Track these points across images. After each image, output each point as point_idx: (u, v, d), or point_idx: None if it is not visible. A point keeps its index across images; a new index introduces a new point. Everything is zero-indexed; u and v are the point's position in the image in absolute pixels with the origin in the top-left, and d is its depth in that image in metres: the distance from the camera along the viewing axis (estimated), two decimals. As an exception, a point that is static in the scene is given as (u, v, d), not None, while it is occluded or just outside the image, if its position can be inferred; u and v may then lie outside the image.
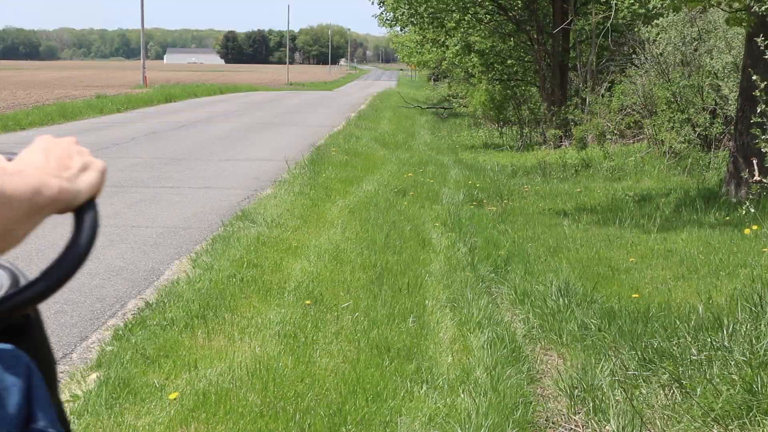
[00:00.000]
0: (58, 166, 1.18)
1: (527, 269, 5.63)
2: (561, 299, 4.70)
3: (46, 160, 1.18)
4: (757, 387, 3.12)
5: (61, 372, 3.96)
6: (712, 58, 11.43)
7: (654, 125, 12.23)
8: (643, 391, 3.43)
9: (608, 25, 15.31)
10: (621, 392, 3.40)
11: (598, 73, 16.57)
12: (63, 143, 1.21)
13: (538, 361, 4.03)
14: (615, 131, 14.21)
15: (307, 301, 4.71)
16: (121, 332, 4.34)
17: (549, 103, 16.57)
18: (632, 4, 15.65)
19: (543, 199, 9.28)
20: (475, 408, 3.23)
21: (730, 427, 3.03)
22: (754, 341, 3.51)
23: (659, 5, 11.48)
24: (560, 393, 3.57)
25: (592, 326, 4.25)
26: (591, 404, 3.35)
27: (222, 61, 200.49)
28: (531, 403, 3.47)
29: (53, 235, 5.84)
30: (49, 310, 4.57)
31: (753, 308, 3.93)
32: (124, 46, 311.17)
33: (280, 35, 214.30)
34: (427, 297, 4.96)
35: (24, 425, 1.17)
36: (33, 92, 31.34)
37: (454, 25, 18.63)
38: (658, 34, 12.45)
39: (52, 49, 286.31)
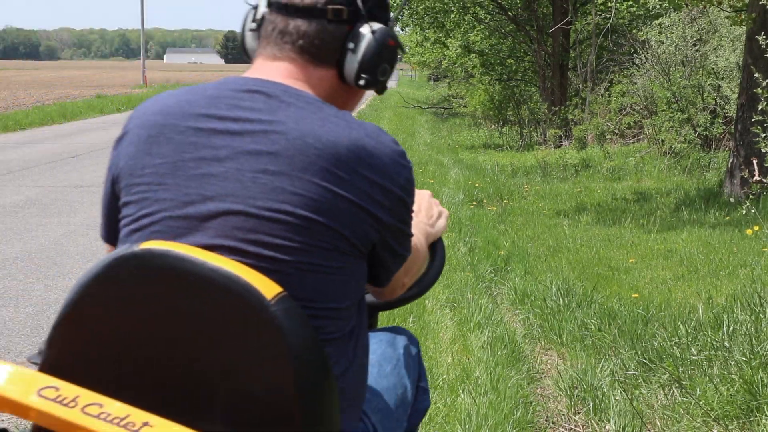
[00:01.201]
0: (427, 216, 1.60)
1: (527, 269, 5.62)
2: (561, 299, 4.70)
3: (419, 210, 1.58)
4: (757, 387, 3.12)
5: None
6: (714, 58, 11.42)
7: (654, 125, 12.22)
8: (643, 391, 3.43)
9: (608, 25, 15.30)
10: (621, 392, 3.39)
11: (598, 73, 16.56)
12: (425, 196, 1.64)
13: (538, 361, 4.03)
14: (615, 131, 14.20)
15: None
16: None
17: (549, 103, 16.56)
18: (630, 6, 15.64)
19: (543, 199, 9.28)
20: (475, 408, 3.22)
21: (730, 427, 3.03)
22: (754, 341, 3.51)
23: (659, 5, 11.50)
24: (560, 393, 3.56)
25: (592, 326, 4.25)
26: (591, 404, 3.34)
27: (222, 61, 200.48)
28: (531, 403, 3.46)
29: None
30: (45, 311, 4.56)
31: (753, 308, 3.92)
32: (124, 46, 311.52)
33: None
34: (427, 297, 4.95)
35: (417, 382, 1.74)
36: (33, 92, 31.36)
37: (453, 25, 18.63)
38: (660, 32, 12.45)
39: (52, 49, 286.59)
